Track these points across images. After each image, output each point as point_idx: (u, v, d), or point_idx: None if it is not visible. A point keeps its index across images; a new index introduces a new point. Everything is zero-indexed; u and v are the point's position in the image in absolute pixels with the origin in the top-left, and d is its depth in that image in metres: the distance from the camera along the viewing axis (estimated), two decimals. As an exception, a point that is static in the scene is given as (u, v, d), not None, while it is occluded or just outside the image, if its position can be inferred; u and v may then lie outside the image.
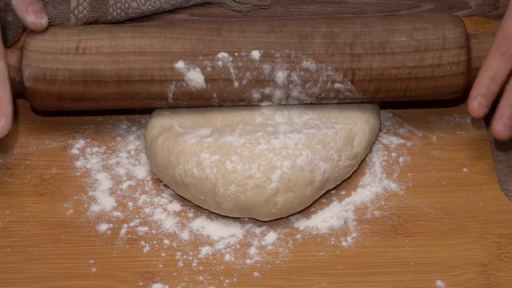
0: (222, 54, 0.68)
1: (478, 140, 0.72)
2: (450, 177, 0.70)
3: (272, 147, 0.68)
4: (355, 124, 0.70)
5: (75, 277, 0.65)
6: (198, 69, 0.68)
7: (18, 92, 0.69)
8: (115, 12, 0.81)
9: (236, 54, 0.68)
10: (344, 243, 0.67)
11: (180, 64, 0.68)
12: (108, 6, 0.81)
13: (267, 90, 0.69)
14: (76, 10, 0.79)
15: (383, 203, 0.69)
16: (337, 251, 0.66)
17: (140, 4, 0.82)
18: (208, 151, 0.68)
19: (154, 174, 0.71)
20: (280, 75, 0.68)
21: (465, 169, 0.71)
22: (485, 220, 0.68)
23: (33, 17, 0.66)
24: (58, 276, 0.65)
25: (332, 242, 0.67)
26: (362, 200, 0.69)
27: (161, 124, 0.71)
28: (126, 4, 0.81)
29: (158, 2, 0.82)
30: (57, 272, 0.65)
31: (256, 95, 0.69)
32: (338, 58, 0.68)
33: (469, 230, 0.67)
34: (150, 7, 0.82)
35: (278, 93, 0.69)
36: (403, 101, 0.72)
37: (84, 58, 0.67)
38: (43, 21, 0.67)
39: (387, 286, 0.64)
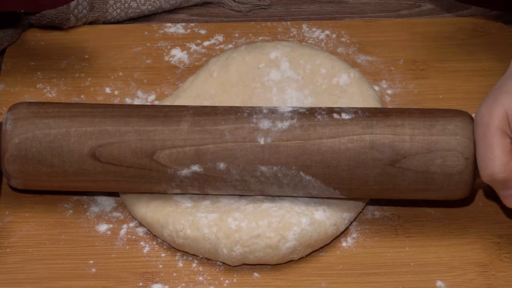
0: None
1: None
2: (451, 177, 0.71)
3: (281, 204, 0.64)
4: None
5: (75, 278, 0.65)
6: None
7: None
8: (114, 12, 0.82)
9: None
10: (344, 244, 0.67)
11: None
12: (108, 6, 0.81)
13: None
14: (75, 10, 0.80)
15: (383, 203, 0.69)
16: (337, 252, 0.66)
17: (140, 4, 0.82)
18: (205, 210, 0.65)
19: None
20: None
21: (465, 170, 0.71)
22: (485, 221, 0.68)
23: None
24: (58, 276, 0.65)
25: (332, 243, 0.66)
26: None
27: None
28: (126, 4, 0.81)
29: (157, 2, 0.82)
30: (57, 273, 0.65)
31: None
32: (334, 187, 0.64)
33: (469, 231, 0.67)
34: (149, 7, 0.82)
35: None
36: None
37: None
38: None
39: (387, 287, 0.64)
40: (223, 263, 0.65)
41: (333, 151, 0.62)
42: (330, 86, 0.72)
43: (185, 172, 0.63)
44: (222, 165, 0.63)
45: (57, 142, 0.64)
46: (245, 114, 0.64)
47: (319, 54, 0.74)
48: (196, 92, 0.72)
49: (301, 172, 0.63)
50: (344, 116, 0.63)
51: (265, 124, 0.63)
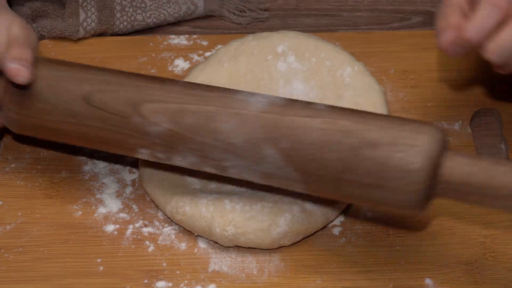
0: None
1: (464, 146, 0.73)
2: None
3: (276, 193, 0.65)
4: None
5: (83, 275, 0.66)
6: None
7: None
8: (121, 24, 0.83)
9: None
10: (338, 243, 0.68)
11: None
12: (115, 19, 0.82)
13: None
14: (84, 23, 0.81)
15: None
16: (332, 251, 0.67)
17: (145, 17, 0.83)
18: (208, 192, 0.66)
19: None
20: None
21: (452, 173, 0.73)
22: (471, 221, 0.69)
23: (16, 64, 0.64)
24: (67, 274, 0.66)
25: (327, 242, 0.68)
26: (355, 202, 0.70)
27: None
28: (132, 17, 0.83)
29: (162, 15, 0.83)
30: (66, 271, 0.66)
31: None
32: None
33: (456, 231, 0.68)
34: (154, 19, 0.83)
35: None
36: None
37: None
38: (24, 72, 0.64)
39: (379, 284, 0.65)
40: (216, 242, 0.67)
41: (303, 127, 0.61)
42: (334, 78, 0.73)
43: (160, 128, 0.63)
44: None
45: (58, 81, 0.66)
46: (237, 92, 0.64)
47: (324, 46, 0.74)
48: (206, 81, 0.73)
49: (265, 145, 0.62)
50: (323, 106, 0.62)
51: (251, 98, 0.63)
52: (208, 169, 0.65)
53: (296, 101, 0.64)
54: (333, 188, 0.62)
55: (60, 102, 0.66)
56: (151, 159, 0.67)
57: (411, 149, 0.59)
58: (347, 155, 0.60)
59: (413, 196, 0.60)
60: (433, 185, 0.60)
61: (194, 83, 0.66)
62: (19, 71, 0.64)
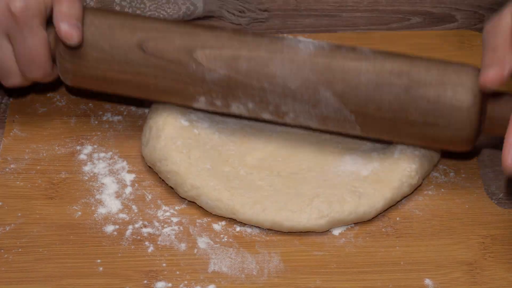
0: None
1: (464, 146, 0.74)
2: (438, 181, 0.72)
3: None
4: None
5: (83, 276, 0.66)
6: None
7: None
8: None
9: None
10: (338, 243, 0.68)
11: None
12: None
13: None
14: None
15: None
16: (332, 251, 0.67)
17: None
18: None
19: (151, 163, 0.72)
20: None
21: (452, 174, 0.73)
22: (471, 222, 0.69)
23: (67, 26, 0.66)
24: (67, 275, 0.66)
25: (326, 243, 0.68)
26: (355, 202, 0.70)
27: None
28: None
29: (161, 16, 0.83)
30: (66, 271, 0.66)
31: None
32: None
33: (455, 231, 0.69)
34: None
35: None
36: None
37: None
38: (75, 34, 0.67)
39: (378, 284, 0.65)
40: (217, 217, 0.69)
41: (355, 70, 0.66)
42: None
43: (217, 74, 0.67)
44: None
45: (111, 30, 0.69)
46: (283, 37, 0.69)
47: None
48: None
49: (321, 88, 0.67)
50: (367, 50, 0.68)
51: (299, 44, 0.68)
52: (266, 116, 0.69)
53: (341, 46, 0.68)
54: (389, 128, 0.67)
55: (115, 50, 0.68)
56: (208, 108, 0.70)
57: (460, 88, 0.65)
58: (401, 95, 0.66)
59: (465, 132, 0.66)
60: (482, 120, 0.66)
61: (242, 30, 0.71)
62: (70, 34, 0.67)
